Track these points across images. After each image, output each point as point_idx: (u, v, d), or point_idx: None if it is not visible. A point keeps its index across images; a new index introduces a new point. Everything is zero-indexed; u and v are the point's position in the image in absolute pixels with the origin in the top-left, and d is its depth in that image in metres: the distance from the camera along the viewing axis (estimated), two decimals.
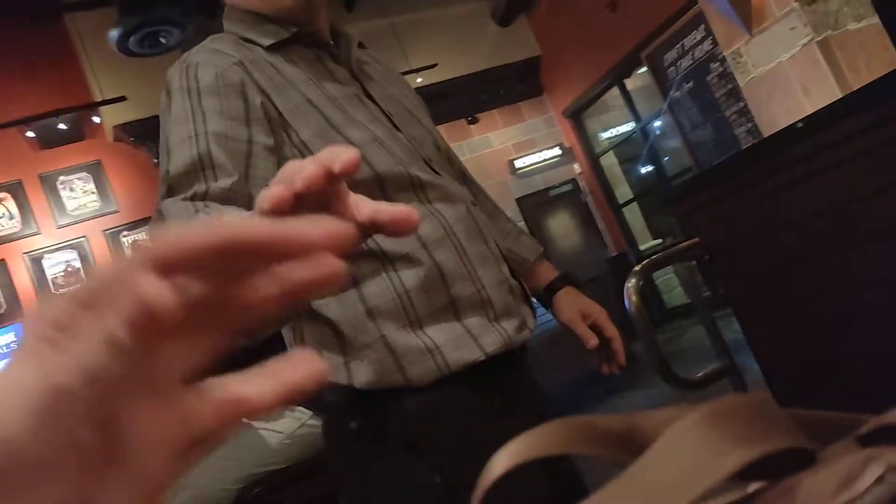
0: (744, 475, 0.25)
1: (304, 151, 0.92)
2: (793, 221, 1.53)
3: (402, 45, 7.44)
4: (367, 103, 1.01)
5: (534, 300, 1.15)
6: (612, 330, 1.13)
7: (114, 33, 4.55)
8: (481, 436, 0.76)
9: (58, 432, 0.23)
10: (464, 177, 1.20)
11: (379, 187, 0.93)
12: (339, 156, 0.33)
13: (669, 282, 7.74)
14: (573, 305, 1.14)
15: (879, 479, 0.19)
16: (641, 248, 7.96)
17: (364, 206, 0.38)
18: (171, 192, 0.85)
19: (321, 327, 0.94)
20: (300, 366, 0.27)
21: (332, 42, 1.07)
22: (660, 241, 8.05)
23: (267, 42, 0.99)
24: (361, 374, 0.90)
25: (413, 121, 1.07)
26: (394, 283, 0.92)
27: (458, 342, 0.92)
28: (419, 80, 7.38)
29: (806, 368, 1.56)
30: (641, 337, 1.71)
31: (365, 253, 0.92)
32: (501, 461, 0.29)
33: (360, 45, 1.14)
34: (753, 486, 0.27)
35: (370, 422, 0.93)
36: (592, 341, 1.11)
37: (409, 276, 0.92)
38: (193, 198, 0.82)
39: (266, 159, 0.89)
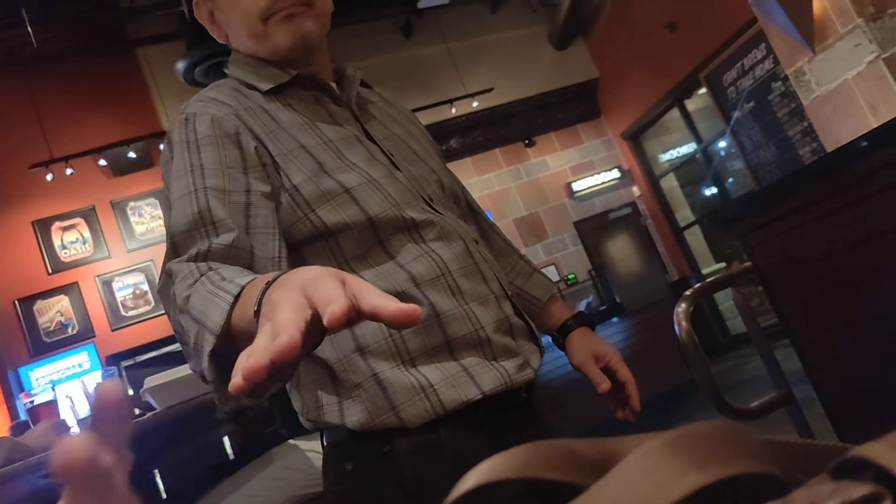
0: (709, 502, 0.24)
1: (296, 196, 0.91)
2: (853, 244, 1.46)
3: (458, 69, 7.53)
4: (366, 144, 1.00)
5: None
6: (625, 373, 1.09)
7: (180, 65, 4.76)
8: None
9: None
10: (473, 214, 1.18)
11: (371, 230, 0.92)
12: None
13: (735, 307, 7.50)
14: (585, 347, 1.10)
15: None
16: (704, 272, 7.75)
17: (366, 301, 0.48)
18: (175, 249, 0.85)
19: (316, 367, 0.93)
20: None
21: (333, 83, 1.07)
22: (723, 265, 7.82)
23: (265, 87, 1.00)
24: (354, 415, 0.89)
25: (415, 159, 1.05)
26: None
27: (454, 381, 0.89)
28: (475, 104, 7.44)
29: (867, 399, 1.47)
30: (692, 364, 1.66)
31: None
32: (468, 481, 0.28)
33: (365, 85, 1.14)
34: None
35: (364, 463, 0.91)
36: (604, 385, 1.07)
37: None
38: (196, 257, 0.82)
39: (265, 207, 0.89)
